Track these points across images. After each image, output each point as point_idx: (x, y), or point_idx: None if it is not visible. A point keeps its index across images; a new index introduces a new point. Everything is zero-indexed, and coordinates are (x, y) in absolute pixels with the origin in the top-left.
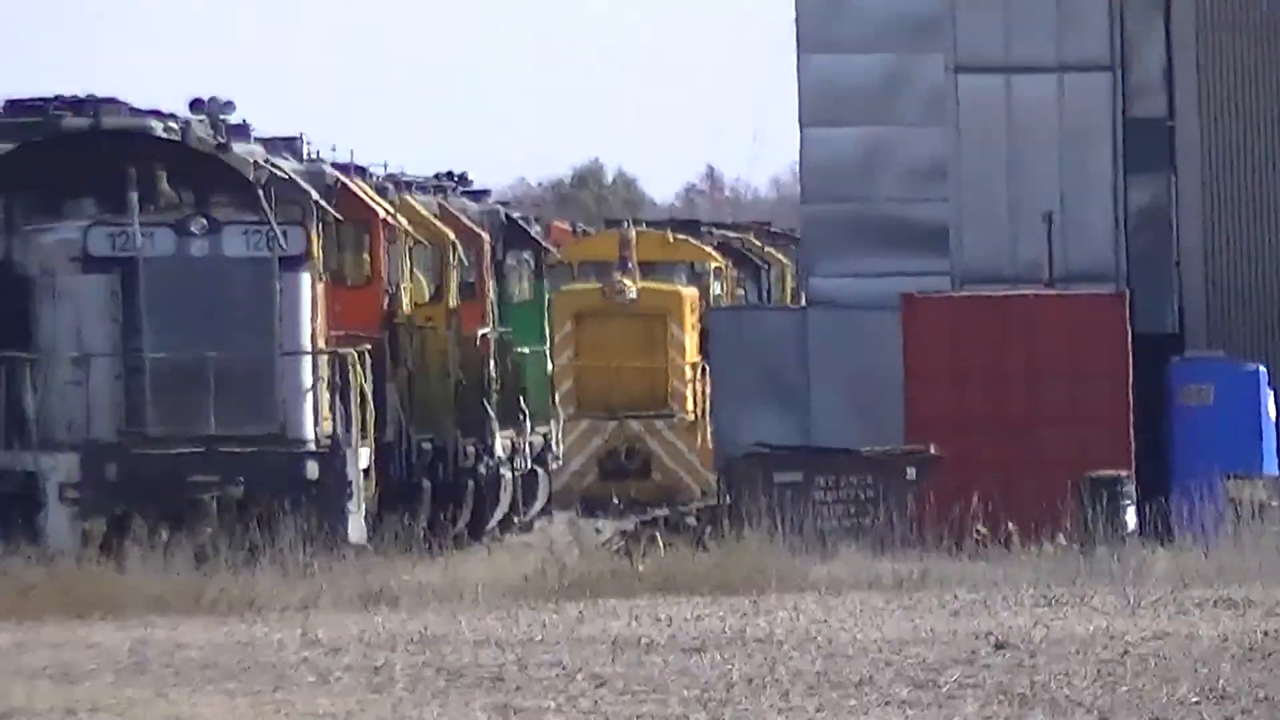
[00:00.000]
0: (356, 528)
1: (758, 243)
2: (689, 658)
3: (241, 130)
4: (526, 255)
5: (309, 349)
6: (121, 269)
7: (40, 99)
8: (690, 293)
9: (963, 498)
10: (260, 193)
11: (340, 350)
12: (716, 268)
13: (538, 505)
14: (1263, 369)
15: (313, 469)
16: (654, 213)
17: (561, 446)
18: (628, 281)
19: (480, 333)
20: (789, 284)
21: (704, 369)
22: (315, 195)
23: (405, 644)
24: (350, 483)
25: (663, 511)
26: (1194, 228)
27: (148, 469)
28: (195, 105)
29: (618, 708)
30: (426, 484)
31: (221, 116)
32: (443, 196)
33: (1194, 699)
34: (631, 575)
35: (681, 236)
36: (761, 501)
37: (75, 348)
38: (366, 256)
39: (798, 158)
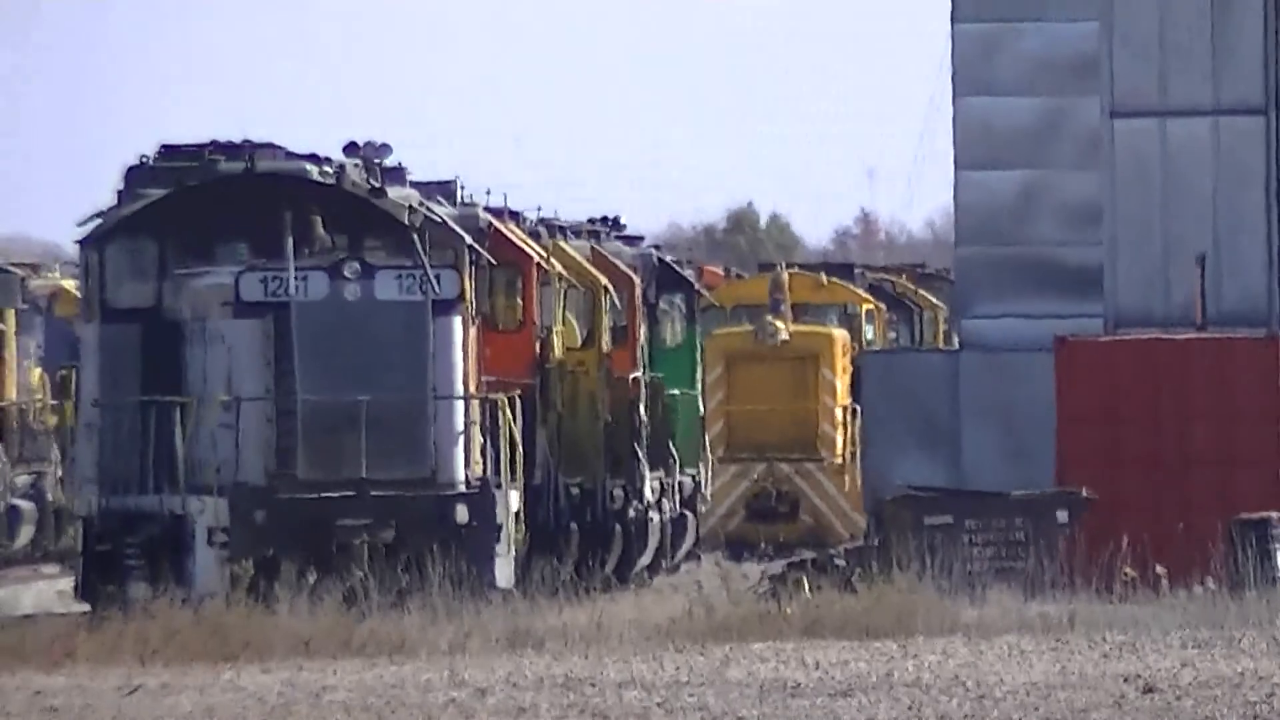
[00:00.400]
0: (504, 571)
1: (910, 285)
2: (835, 701)
3: (397, 174)
4: (679, 299)
5: (461, 393)
6: (274, 313)
7: (197, 144)
8: (841, 335)
9: (1112, 540)
10: (414, 237)
11: (491, 395)
12: (869, 310)
13: (685, 548)
14: None
15: (463, 513)
16: (807, 255)
17: (711, 488)
18: (779, 324)
19: (631, 376)
20: (941, 326)
21: (854, 412)
22: (468, 239)
23: (551, 686)
24: (500, 526)
25: (810, 554)
26: None
27: (297, 512)
28: (351, 149)
29: None
30: (574, 527)
31: (377, 160)
32: (596, 241)
33: None
34: (778, 618)
35: (834, 279)
36: (911, 544)
37: (226, 391)
38: (519, 300)
39: (953, 200)
